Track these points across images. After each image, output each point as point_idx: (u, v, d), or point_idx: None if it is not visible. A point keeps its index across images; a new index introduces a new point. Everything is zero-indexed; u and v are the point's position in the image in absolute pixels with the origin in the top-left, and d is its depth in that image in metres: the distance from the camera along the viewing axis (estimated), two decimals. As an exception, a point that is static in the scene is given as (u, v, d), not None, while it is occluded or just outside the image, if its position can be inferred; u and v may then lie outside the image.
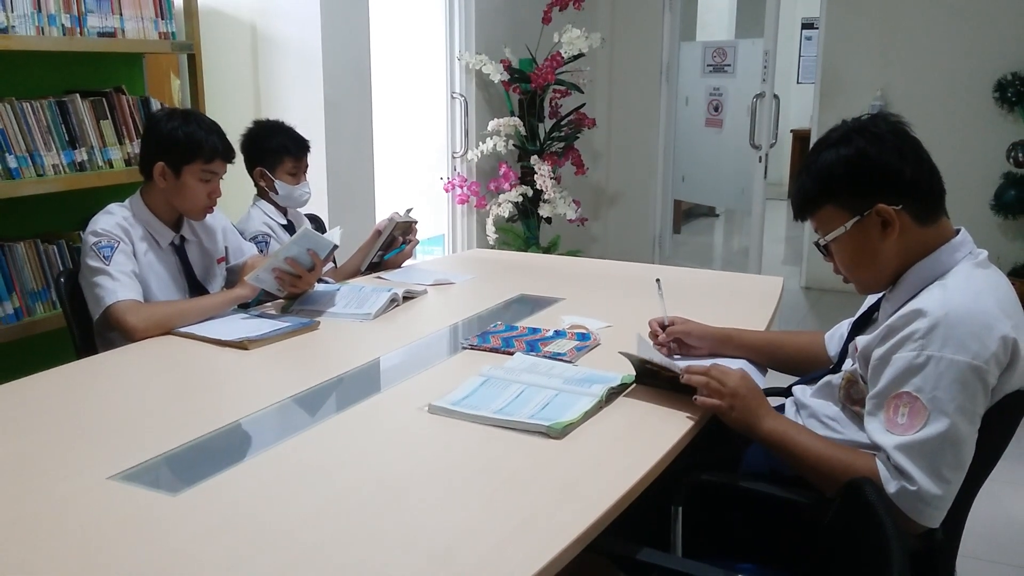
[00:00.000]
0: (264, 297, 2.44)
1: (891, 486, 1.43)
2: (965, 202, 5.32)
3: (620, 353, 1.83)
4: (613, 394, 1.75)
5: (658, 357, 1.77)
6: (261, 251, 2.73)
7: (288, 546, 1.22)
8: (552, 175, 4.93)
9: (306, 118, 3.64)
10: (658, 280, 2.07)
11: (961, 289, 1.48)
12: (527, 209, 5.08)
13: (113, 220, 2.29)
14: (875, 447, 1.49)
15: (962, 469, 1.45)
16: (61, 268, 2.74)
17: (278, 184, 2.85)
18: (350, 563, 1.18)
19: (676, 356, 2.03)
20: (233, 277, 2.56)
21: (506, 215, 4.95)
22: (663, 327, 2.04)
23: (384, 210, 3.48)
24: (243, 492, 1.39)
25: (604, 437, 1.58)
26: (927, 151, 1.57)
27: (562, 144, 5.19)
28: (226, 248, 2.58)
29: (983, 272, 1.54)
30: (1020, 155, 5.13)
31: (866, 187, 1.54)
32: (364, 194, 4.10)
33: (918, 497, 1.42)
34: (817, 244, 1.65)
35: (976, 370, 1.42)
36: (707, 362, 1.74)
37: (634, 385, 1.81)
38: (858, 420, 1.61)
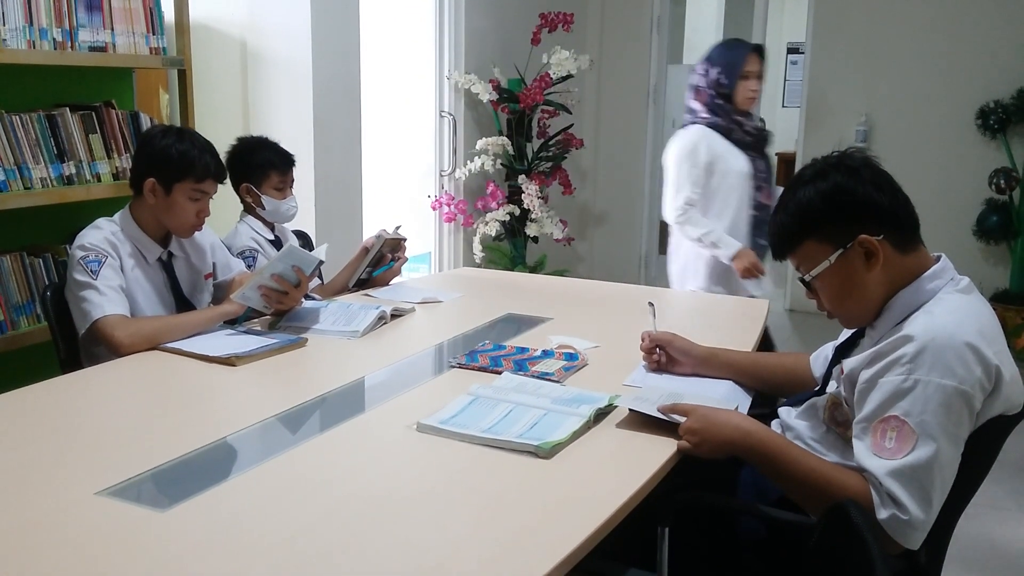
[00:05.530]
0: (251, 314, 2.44)
1: (882, 513, 1.44)
2: (948, 227, 5.41)
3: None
4: (601, 414, 1.75)
5: (657, 412, 1.70)
6: (249, 267, 2.73)
7: (275, 563, 1.21)
8: (539, 195, 4.96)
9: (295, 134, 3.65)
10: (651, 304, 2.08)
11: (947, 315, 1.50)
12: (514, 228, 5.09)
13: (101, 235, 2.28)
14: (861, 470, 1.50)
15: (946, 492, 1.47)
16: (47, 282, 2.72)
17: (265, 199, 2.85)
18: (338, 581, 1.18)
19: (662, 373, 2.05)
20: (221, 293, 2.55)
21: (493, 234, 4.97)
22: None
23: (372, 227, 3.48)
24: (231, 509, 1.39)
25: (592, 457, 1.59)
26: (899, 183, 1.60)
27: (549, 164, 5.21)
28: (214, 264, 2.57)
29: (967, 298, 1.57)
30: (1002, 181, 5.19)
31: (846, 219, 1.56)
32: (352, 210, 4.11)
33: (908, 524, 1.43)
34: (802, 280, 1.65)
35: (963, 394, 1.44)
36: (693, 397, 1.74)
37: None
38: (842, 442, 1.62)
